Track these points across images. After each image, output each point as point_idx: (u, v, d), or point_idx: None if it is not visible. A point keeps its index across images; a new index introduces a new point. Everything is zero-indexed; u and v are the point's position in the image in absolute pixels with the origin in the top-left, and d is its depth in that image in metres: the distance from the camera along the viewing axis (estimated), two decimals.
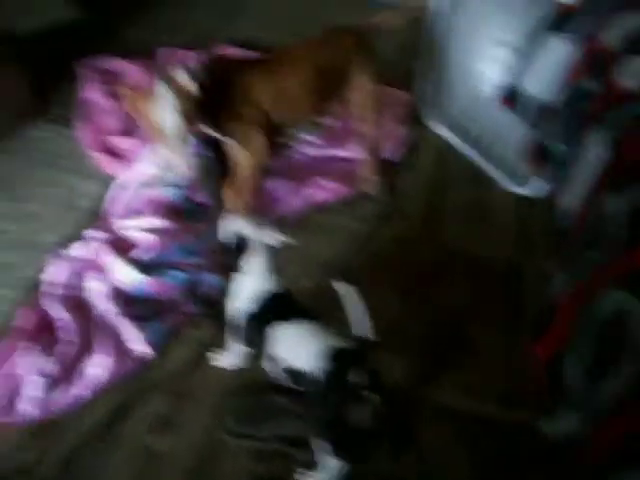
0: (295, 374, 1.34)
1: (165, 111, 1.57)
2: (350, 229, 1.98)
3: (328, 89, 1.90)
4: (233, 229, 1.40)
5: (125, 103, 1.64)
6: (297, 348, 1.33)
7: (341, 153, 2.19)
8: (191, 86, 1.57)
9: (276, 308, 1.40)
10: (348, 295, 1.28)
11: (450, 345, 1.71)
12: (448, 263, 1.92)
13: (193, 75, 1.61)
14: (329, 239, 1.95)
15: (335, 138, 2.23)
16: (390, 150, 2.23)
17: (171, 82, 1.57)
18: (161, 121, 1.58)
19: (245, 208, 1.83)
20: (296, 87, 1.81)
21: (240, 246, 1.40)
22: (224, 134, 1.79)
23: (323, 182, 2.05)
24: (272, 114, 1.80)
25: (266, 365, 1.41)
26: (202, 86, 1.62)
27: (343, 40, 1.91)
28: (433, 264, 1.91)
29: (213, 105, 1.69)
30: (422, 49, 2.30)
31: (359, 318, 1.27)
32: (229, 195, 1.84)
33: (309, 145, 2.20)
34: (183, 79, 1.56)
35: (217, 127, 1.77)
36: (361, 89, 1.94)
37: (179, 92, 1.57)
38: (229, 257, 1.43)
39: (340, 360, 1.27)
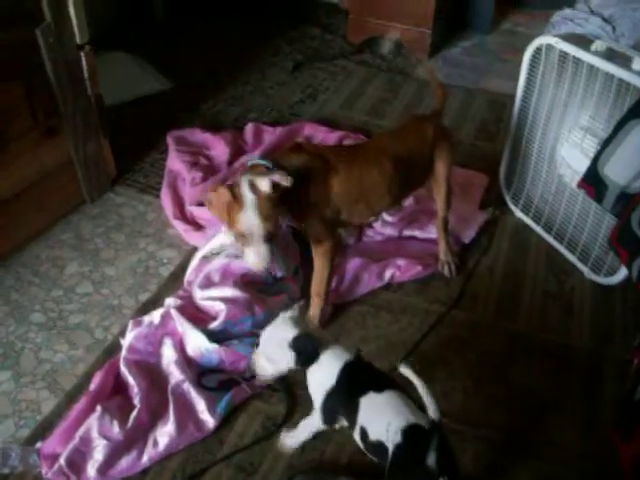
0: (373, 445, 1.30)
1: (251, 218, 1.56)
2: (422, 309, 1.96)
3: (410, 179, 1.92)
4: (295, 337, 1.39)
5: (210, 208, 1.64)
6: (377, 419, 1.30)
7: (419, 234, 2.20)
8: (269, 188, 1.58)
9: (356, 378, 1.38)
10: (415, 378, 1.26)
11: (523, 433, 1.64)
12: (522, 349, 1.86)
13: (272, 169, 1.64)
14: (401, 319, 1.93)
15: (414, 219, 2.24)
16: (466, 233, 2.23)
17: (253, 188, 1.57)
18: (248, 228, 1.58)
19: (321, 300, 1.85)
20: (378, 182, 1.82)
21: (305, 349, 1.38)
22: (299, 226, 1.84)
23: (401, 263, 2.04)
24: (351, 209, 1.82)
25: (355, 437, 1.37)
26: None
27: (424, 129, 1.94)
28: (506, 349, 1.86)
29: (289, 197, 1.70)
30: (508, 134, 2.31)
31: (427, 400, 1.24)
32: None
33: (389, 225, 2.21)
34: (262, 185, 1.57)
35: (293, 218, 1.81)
36: (438, 174, 1.98)
37: (261, 198, 1.57)
38: (299, 357, 1.39)
39: (417, 437, 1.23)
